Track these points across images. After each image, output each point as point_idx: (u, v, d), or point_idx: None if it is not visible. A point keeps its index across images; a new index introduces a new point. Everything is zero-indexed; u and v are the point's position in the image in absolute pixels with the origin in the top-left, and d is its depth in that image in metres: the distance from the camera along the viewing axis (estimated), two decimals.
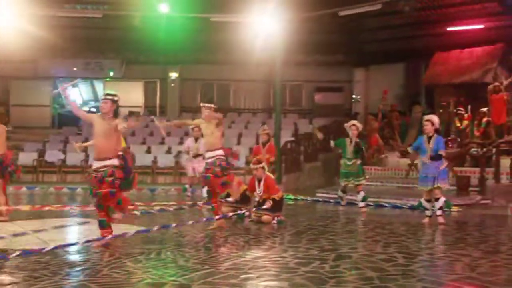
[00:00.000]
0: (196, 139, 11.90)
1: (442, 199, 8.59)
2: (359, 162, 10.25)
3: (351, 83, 21.43)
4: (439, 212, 8.61)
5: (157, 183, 15.64)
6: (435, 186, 8.53)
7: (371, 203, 11.02)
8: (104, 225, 6.65)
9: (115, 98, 6.60)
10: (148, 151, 17.50)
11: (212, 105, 7.88)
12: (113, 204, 6.53)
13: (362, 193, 10.25)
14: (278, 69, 14.92)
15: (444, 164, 8.58)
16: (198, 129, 11.51)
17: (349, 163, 10.25)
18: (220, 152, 7.87)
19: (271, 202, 8.60)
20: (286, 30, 14.52)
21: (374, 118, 16.56)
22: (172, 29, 17.13)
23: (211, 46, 20.03)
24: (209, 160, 7.87)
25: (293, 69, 19.74)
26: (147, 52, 20.35)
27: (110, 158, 6.42)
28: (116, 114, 6.55)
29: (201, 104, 7.95)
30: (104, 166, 6.40)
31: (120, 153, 6.56)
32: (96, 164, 6.52)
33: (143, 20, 17.31)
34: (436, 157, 8.52)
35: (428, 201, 8.76)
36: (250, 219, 8.74)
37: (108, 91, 7.05)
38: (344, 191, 10.65)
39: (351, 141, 10.22)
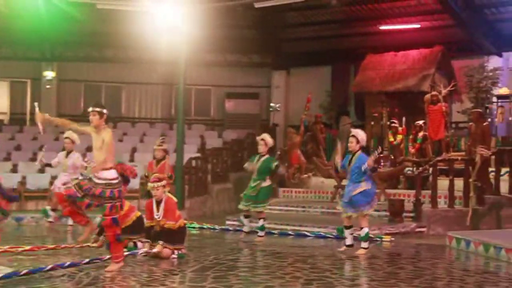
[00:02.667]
0: (68, 153, 11.82)
1: (366, 229, 8.94)
2: (265, 184, 10.38)
3: (269, 89, 21.80)
4: (364, 244, 8.95)
5: (25, 210, 15.05)
6: (358, 213, 8.91)
7: (291, 232, 11.20)
8: None
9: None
10: (14, 169, 16.82)
11: (104, 110, 7.64)
12: None
13: (261, 221, 10.48)
14: (182, 70, 14.91)
15: (369, 185, 8.87)
16: (70, 141, 11.69)
17: (252, 184, 10.40)
18: (113, 174, 7.60)
19: (163, 244, 8.54)
20: (192, 23, 14.55)
21: (295, 131, 16.90)
22: (49, 17, 16.68)
23: (97, 40, 19.72)
24: (96, 181, 7.57)
25: (200, 70, 19.87)
26: (15, 45, 19.68)
27: None
28: None
29: (89, 109, 7.66)
30: None
31: None
32: None
33: (10, 4, 16.71)
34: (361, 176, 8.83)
35: (348, 228, 9.11)
36: (144, 253, 8.62)
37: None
38: (247, 216, 10.67)
39: (258, 159, 10.40)
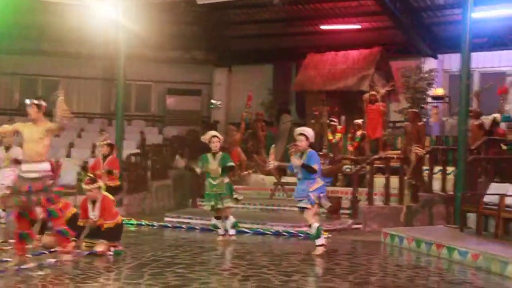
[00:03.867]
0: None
1: (315, 225, 8.93)
2: (226, 180, 10.30)
3: (210, 86, 21.79)
4: (318, 242, 8.95)
5: None
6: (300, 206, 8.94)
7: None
8: None
9: None
10: None
11: (43, 103, 7.62)
12: None
13: (232, 218, 10.37)
14: (121, 65, 14.73)
15: (316, 184, 8.89)
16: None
17: (214, 182, 10.28)
18: (47, 166, 7.56)
19: (105, 242, 8.48)
20: (133, 18, 14.40)
21: (236, 129, 16.95)
22: None
23: (35, 32, 19.24)
24: (30, 176, 7.49)
25: (141, 66, 19.66)
26: None
27: None
28: None
29: (28, 102, 7.61)
30: None
31: None
32: None
33: None
34: (309, 170, 8.84)
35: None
36: (79, 251, 8.50)
37: None
38: (218, 217, 10.42)
39: (214, 156, 10.31)
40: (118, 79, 15.03)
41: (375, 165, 13.01)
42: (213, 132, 10.53)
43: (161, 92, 21.77)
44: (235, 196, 10.36)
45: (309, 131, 9.13)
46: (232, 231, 10.37)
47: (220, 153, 10.30)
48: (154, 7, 16.54)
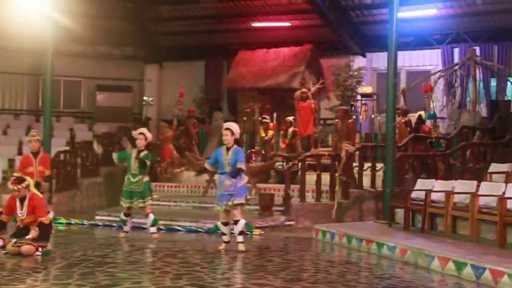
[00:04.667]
0: None
1: (242, 221, 8.94)
2: (146, 179, 10.22)
3: (141, 82, 21.53)
4: (239, 238, 8.97)
5: None
6: (231, 203, 8.86)
7: (162, 227, 11.16)
8: None
9: None
10: None
11: None
12: None
13: (151, 216, 10.24)
14: (49, 60, 14.29)
15: (243, 180, 8.96)
16: None
17: (133, 180, 10.18)
18: None
19: (37, 230, 8.21)
20: (61, 11, 14.02)
21: (168, 125, 16.80)
22: None
23: None
24: None
25: (70, 61, 19.25)
26: None
27: None
28: None
29: None
30: None
31: None
32: None
33: None
34: (234, 172, 8.87)
35: (226, 224, 9.10)
36: (5, 251, 8.21)
37: None
38: (127, 214, 10.44)
39: (137, 153, 10.17)
40: (46, 75, 14.58)
41: (306, 162, 13.12)
42: (141, 129, 10.46)
43: (91, 88, 21.35)
44: (153, 196, 10.39)
45: (234, 126, 9.12)
46: (152, 229, 10.28)
47: (145, 151, 10.16)
48: (83, 0, 16.19)
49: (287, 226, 12.03)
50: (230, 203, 8.82)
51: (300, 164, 13.00)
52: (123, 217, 10.44)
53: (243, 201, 8.91)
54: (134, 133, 10.47)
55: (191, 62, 21.12)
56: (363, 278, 7.24)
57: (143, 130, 10.44)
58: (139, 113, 21.20)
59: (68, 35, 16.58)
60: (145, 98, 20.38)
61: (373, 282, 7.01)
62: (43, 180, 10.34)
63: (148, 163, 10.15)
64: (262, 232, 10.95)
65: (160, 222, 11.45)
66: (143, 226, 10.69)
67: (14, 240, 8.26)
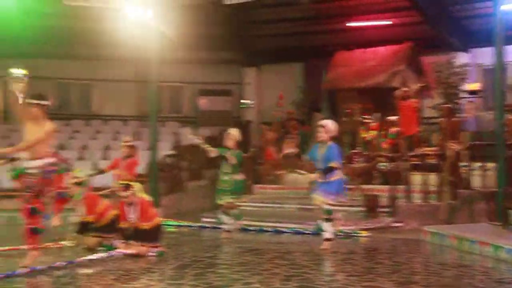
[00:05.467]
0: None
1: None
2: (238, 177, 10.37)
3: (241, 86, 21.76)
4: (327, 235, 8.90)
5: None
6: (320, 199, 8.88)
7: (268, 229, 11.25)
8: None
9: None
10: None
11: (43, 102, 7.54)
12: None
13: (234, 211, 10.47)
14: (153, 67, 14.77)
15: (336, 176, 8.85)
16: None
17: (225, 178, 10.37)
18: (45, 162, 7.41)
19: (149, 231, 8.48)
20: (162, 20, 14.44)
21: (268, 128, 16.90)
22: (17, 13, 16.33)
23: (67, 37, 19.40)
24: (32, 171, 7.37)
25: (172, 68, 19.69)
26: None
27: None
28: None
29: (29, 101, 7.45)
30: None
31: None
32: None
33: None
34: (326, 169, 8.79)
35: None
36: (121, 252, 8.53)
37: None
38: (226, 213, 10.56)
39: (228, 153, 10.35)
40: (151, 81, 15.07)
41: (411, 162, 12.82)
42: (230, 130, 10.71)
43: (193, 93, 21.82)
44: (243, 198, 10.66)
45: (329, 123, 9.07)
46: (235, 223, 10.51)
47: (237, 150, 10.38)
48: (182, 9, 16.58)
49: (394, 227, 11.75)
50: (318, 198, 8.84)
51: (404, 164, 12.73)
52: (222, 217, 10.62)
53: (333, 201, 8.86)
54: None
55: (289, 64, 21.10)
56: (480, 282, 6.94)
57: (232, 130, 10.64)
58: (239, 116, 21.44)
59: (170, 42, 17.00)
60: (244, 101, 20.59)
61: (491, 287, 6.73)
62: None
63: (235, 161, 10.26)
64: (369, 234, 10.77)
65: (265, 224, 11.58)
66: (249, 228, 10.81)
67: (128, 241, 8.58)
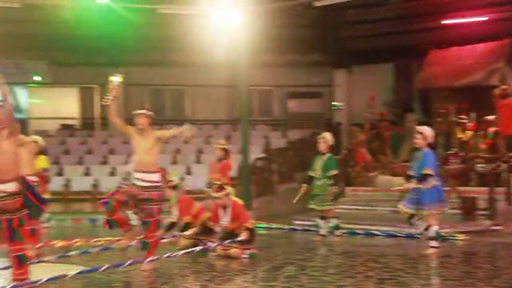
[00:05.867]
0: None
1: (434, 228, 8.68)
2: (330, 182, 10.32)
3: (330, 88, 21.64)
4: (431, 243, 8.70)
5: (99, 212, 15.36)
6: (419, 212, 8.70)
7: (360, 231, 11.16)
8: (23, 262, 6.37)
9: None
10: (87, 173, 17.26)
11: (151, 113, 7.76)
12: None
13: (333, 221, 10.44)
14: (243, 71, 14.95)
15: (430, 184, 8.66)
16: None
17: (318, 183, 10.34)
18: (157, 177, 7.58)
19: (247, 232, 8.56)
20: (251, 24, 14.58)
21: (359, 129, 16.72)
22: (113, 23, 17.01)
23: (160, 44, 19.98)
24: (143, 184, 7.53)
25: (262, 71, 19.83)
26: (82, 52, 20.12)
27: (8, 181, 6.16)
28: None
29: (136, 112, 7.70)
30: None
31: (21, 175, 6.35)
32: None
33: (76, 12, 17.12)
34: (421, 176, 8.65)
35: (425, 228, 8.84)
36: (214, 253, 8.67)
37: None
38: (322, 217, 10.55)
39: (320, 158, 10.39)
40: (241, 85, 15.27)
41: (510, 163, 12.31)
42: (323, 134, 10.71)
43: (282, 96, 21.89)
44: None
45: (427, 131, 8.96)
46: (337, 232, 10.49)
47: (327, 154, 10.32)
48: (271, 12, 16.68)
49: (493, 231, 11.29)
50: (418, 211, 8.69)
51: (504, 165, 12.24)
52: (318, 221, 10.63)
53: (434, 209, 8.67)
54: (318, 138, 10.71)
55: (379, 64, 20.76)
56: None
57: (325, 134, 10.62)
58: (329, 118, 21.32)
59: (260, 46, 17.15)
60: (335, 103, 20.47)
61: None
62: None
63: (332, 172, 10.27)
64: (466, 237, 10.41)
65: (357, 227, 11.44)
66: (341, 231, 10.72)
67: (223, 243, 8.71)
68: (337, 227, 10.52)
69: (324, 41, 20.77)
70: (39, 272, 6.66)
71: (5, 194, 6.10)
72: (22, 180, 6.29)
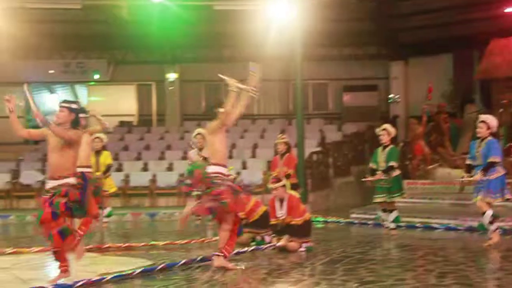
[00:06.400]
0: (200, 150, 11.48)
1: (489, 212, 8.51)
2: (394, 174, 10.31)
3: (387, 80, 21.39)
4: (492, 227, 8.53)
5: (157, 207, 15.66)
6: (477, 198, 8.56)
7: (419, 225, 11.02)
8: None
9: (73, 106, 6.58)
10: (145, 168, 17.56)
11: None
12: (53, 232, 6.27)
13: (394, 213, 10.42)
14: (298, 65, 14.93)
15: (497, 173, 8.47)
16: (201, 137, 11.11)
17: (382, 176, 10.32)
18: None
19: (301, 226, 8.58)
20: (306, 18, 14.55)
21: (417, 122, 16.45)
22: (168, 21, 17.25)
23: (215, 40, 20.16)
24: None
25: (316, 65, 19.75)
26: (139, 50, 20.51)
27: (65, 177, 6.39)
28: (75, 125, 6.53)
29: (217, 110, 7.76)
30: (59, 186, 6.34)
31: (79, 170, 6.57)
32: (49, 184, 6.47)
33: (133, 11, 17.45)
34: (486, 165, 8.46)
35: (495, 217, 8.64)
36: (272, 247, 8.70)
37: (66, 99, 6.87)
38: (384, 210, 10.58)
39: (383, 150, 10.38)
40: (296, 80, 15.25)
41: None
42: (384, 125, 10.64)
43: (337, 89, 21.72)
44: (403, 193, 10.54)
45: (491, 120, 8.77)
46: (392, 225, 10.40)
47: (390, 146, 10.33)
48: (326, 6, 16.58)
49: None
50: (479, 197, 8.54)
51: None
52: (380, 213, 10.72)
53: (494, 199, 8.52)
54: (378, 130, 10.61)
55: (437, 56, 20.39)
56: None
57: (386, 126, 10.59)
58: (386, 111, 21.07)
59: (315, 40, 17.08)
60: (391, 96, 20.21)
61: None
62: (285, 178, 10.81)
63: (392, 162, 10.22)
64: None
65: (416, 220, 11.28)
66: (400, 224, 10.61)
67: (279, 236, 8.73)
68: (398, 220, 10.46)
69: (380, 34, 20.53)
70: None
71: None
72: (82, 177, 6.51)
